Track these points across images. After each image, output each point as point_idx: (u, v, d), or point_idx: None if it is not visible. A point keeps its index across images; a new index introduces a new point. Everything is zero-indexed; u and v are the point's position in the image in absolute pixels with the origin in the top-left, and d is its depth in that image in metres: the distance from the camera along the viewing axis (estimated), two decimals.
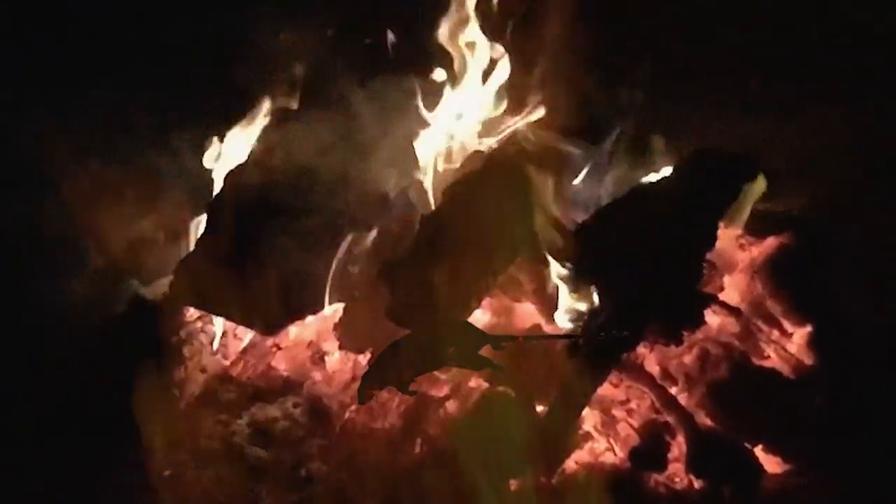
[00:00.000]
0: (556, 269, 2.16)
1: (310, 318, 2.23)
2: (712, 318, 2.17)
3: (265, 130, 2.37)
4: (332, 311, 2.22)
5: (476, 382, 2.17)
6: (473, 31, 2.28)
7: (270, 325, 2.17)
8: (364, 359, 2.20)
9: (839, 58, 2.32)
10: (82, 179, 2.37)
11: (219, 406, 2.17)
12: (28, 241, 2.37)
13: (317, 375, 2.24)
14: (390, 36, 2.34)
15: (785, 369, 2.13)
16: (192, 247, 2.29)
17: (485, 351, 2.00)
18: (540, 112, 2.22)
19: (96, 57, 2.59)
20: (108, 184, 2.42)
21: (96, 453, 2.04)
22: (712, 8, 2.38)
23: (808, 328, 2.15)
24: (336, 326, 2.20)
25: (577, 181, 2.34)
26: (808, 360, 2.13)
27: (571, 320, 2.15)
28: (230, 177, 2.27)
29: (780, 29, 2.32)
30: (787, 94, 2.31)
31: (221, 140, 2.44)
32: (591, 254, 2.13)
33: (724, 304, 2.19)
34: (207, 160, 2.44)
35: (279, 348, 2.30)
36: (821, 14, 2.28)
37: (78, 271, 2.35)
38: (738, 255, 2.30)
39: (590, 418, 2.14)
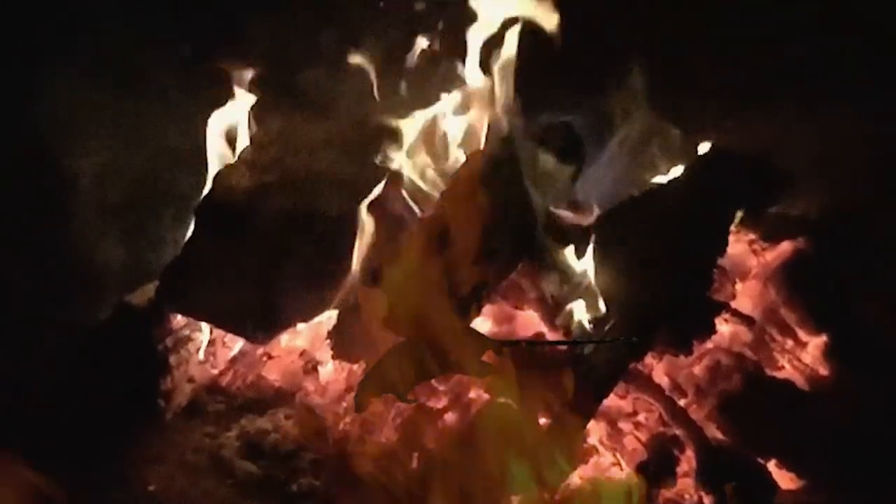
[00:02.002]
0: (561, 275, 2.16)
1: (302, 326, 2.22)
2: (724, 326, 2.17)
3: (256, 130, 2.34)
4: (326, 318, 2.20)
5: (476, 393, 2.16)
6: (473, 29, 2.27)
7: (261, 332, 2.15)
8: (358, 368, 2.18)
9: (859, 54, 2.30)
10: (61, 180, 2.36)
11: (207, 418, 2.16)
12: (9, 246, 2.36)
13: (309, 386, 2.23)
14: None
15: (799, 380, 2.13)
16: (179, 251, 2.24)
17: (486, 357, 1.97)
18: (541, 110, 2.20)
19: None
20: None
21: (78, 466, 2.00)
22: (724, 2, 2.37)
23: (824, 337, 2.14)
24: (329, 334, 2.18)
25: (581, 182, 2.32)
26: (823, 371, 2.13)
27: (576, 327, 2.14)
28: (219, 178, 2.25)
29: (797, 23, 2.30)
30: (804, 91, 2.29)
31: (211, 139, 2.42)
32: (597, 258, 2.13)
33: (736, 313, 2.19)
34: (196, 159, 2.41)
35: (270, 357, 2.30)
36: (840, 9, 2.26)
37: (62, 277, 2.34)
38: (750, 260, 2.29)
39: (595, 431, 2.14)
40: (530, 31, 2.20)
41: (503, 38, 2.21)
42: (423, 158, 2.34)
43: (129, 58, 2.51)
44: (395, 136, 2.28)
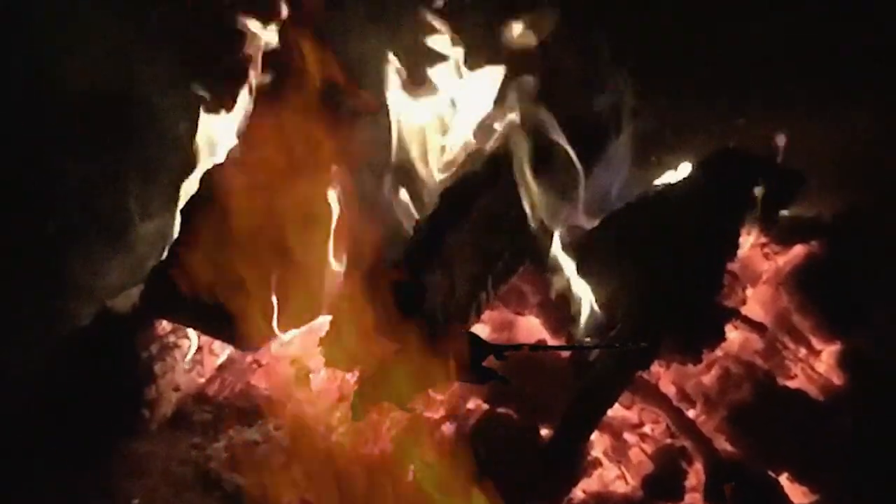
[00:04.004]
0: (564, 279, 2.14)
1: (293, 333, 2.20)
2: (734, 333, 2.15)
3: (248, 126, 2.33)
4: (318, 324, 2.19)
5: (474, 403, 2.15)
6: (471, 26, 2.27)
7: (250, 339, 2.14)
8: (352, 377, 2.16)
9: (876, 50, 2.29)
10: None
11: (193, 428, 2.14)
12: None
13: (301, 395, 2.20)
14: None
15: (813, 390, 2.12)
16: (165, 253, 2.24)
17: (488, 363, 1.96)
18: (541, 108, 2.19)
19: None
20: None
21: (59, 477, 2.00)
22: None
23: (839, 345, 2.13)
24: (322, 341, 2.14)
25: (586, 182, 2.31)
26: (837, 381, 2.11)
27: (580, 334, 2.12)
28: (208, 176, 2.24)
29: (811, 18, 2.29)
30: (818, 88, 2.29)
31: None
32: (601, 262, 2.12)
33: (746, 319, 2.17)
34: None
35: (259, 365, 2.27)
36: (855, 6, 2.26)
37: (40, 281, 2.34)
38: (762, 265, 2.28)
39: (599, 443, 2.12)
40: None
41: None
42: (423, 156, 2.33)
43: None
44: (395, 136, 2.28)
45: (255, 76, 2.34)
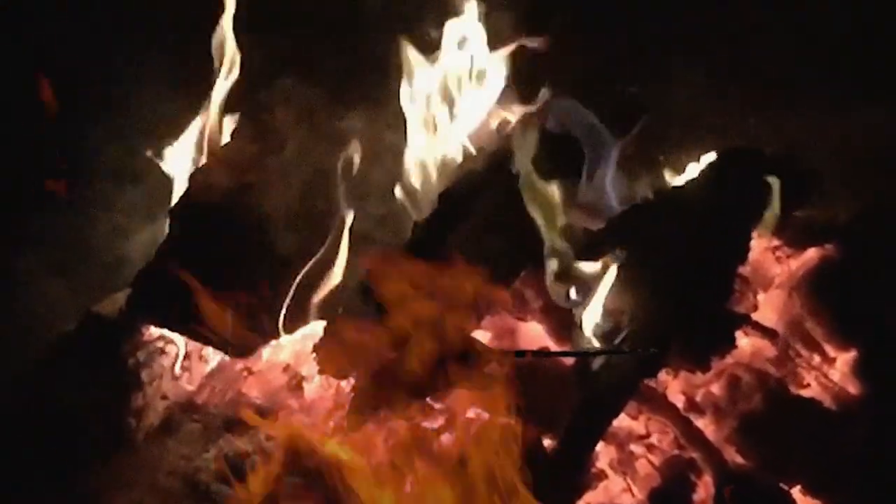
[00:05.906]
0: (568, 283, 2.12)
1: (285, 339, 2.20)
2: (744, 340, 2.14)
3: (239, 125, 2.34)
4: (311, 330, 2.19)
5: (474, 412, 2.12)
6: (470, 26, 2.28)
7: (241, 346, 2.14)
8: (347, 385, 2.13)
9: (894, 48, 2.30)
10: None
11: (182, 438, 2.13)
12: None
13: (294, 403, 2.20)
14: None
15: (827, 399, 2.10)
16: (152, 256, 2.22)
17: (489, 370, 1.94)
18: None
19: None
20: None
21: (41, 491, 1.99)
22: None
23: (854, 353, 2.10)
24: (315, 348, 2.12)
25: (589, 182, 2.29)
26: (853, 389, 2.09)
27: (584, 341, 2.09)
28: (196, 177, 2.23)
29: (828, 13, 2.29)
30: (834, 86, 2.29)
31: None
32: (608, 264, 2.10)
33: (757, 325, 2.16)
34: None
35: (250, 373, 2.26)
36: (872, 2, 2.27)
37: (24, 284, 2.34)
38: (774, 268, 2.26)
39: (604, 454, 2.11)
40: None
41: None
42: (420, 157, 2.33)
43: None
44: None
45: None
